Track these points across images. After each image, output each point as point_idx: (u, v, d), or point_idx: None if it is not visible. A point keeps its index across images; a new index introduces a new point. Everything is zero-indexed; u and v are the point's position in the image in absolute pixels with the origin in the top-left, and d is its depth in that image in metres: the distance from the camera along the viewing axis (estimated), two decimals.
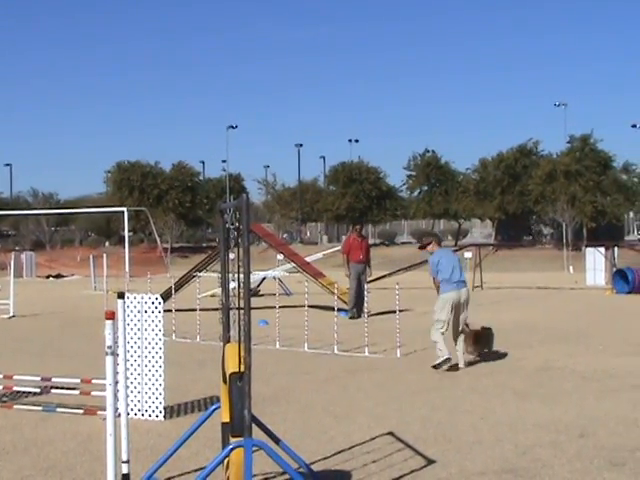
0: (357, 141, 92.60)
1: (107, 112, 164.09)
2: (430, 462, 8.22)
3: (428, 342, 14.29)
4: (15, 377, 11.47)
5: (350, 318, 21.09)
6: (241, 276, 6.29)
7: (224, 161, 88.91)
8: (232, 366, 6.35)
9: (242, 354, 6.17)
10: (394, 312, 16.04)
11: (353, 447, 8.86)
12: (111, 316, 6.39)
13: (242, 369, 6.17)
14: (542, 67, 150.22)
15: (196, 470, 7.74)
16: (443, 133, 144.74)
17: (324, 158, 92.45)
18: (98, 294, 32.08)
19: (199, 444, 8.42)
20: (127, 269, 42.41)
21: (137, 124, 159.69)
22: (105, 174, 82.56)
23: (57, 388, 11.38)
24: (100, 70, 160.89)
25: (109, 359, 6.29)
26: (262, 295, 27.77)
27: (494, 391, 11.94)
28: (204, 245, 78.60)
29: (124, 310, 7.83)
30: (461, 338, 14.19)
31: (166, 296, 18.79)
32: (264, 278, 29.43)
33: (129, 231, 51.66)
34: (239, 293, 6.42)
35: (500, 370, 13.66)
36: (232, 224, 6.83)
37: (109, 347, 6.27)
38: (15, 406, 11.15)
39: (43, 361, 14.73)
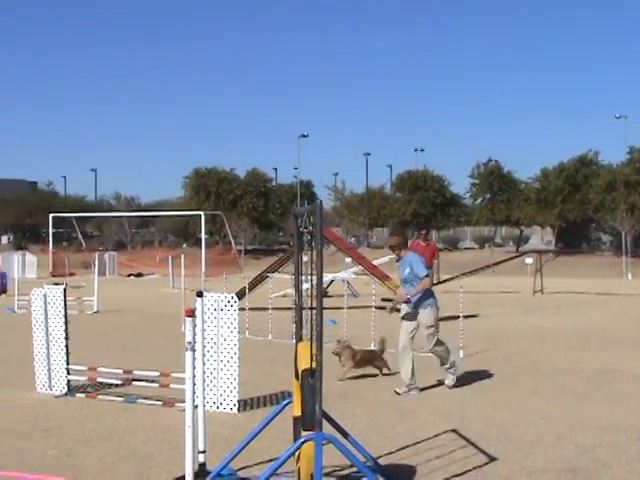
0: (422, 150, 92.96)
1: (186, 120, 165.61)
2: (492, 459, 8.15)
3: (490, 344, 14.16)
4: (99, 369, 11.61)
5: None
6: (314, 278, 6.29)
7: (296, 168, 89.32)
8: (304, 363, 6.36)
9: (314, 352, 6.18)
10: (457, 317, 15.92)
11: (417, 443, 8.81)
12: (191, 314, 6.44)
13: (314, 366, 6.18)
14: (603, 80, 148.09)
15: (268, 461, 7.75)
16: (506, 143, 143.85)
17: (391, 166, 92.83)
18: (176, 292, 32.33)
19: (271, 436, 8.43)
20: (203, 269, 42.74)
21: (214, 132, 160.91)
22: (183, 179, 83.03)
23: (138, 380, 11.51)
24: (180, 80, 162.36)
25: (189, 354, 6.33)
26: (331, 296, 27.76)
27: (554, 393, 11.80)
28: (275, 248, 78.86)
29: (202, 308, 7.89)
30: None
31: (240, 295, 18.87)
32: (332, 280, 29.41)
33: (205, 233, 52.10)
34: (312, 294, 6.43)
35: (560, 372, 13.48)
36: (306, 228, 6.85)
37: (189, 343, 6.31)
38: (99, 396, 11.29)
39: (125, 355, 14.88)
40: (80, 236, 70.48)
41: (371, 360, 13.17)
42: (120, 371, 11.55)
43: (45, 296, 11.72)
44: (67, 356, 11.52)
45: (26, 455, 8.35)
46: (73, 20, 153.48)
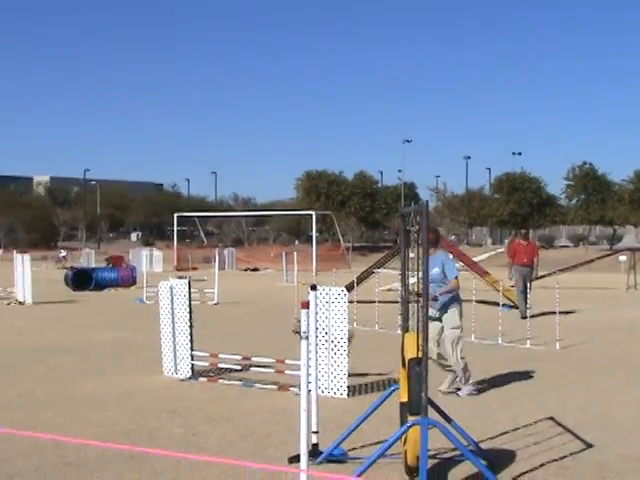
0: (520, 154, 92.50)
1: (299, 127, 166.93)
2: (588, 446, 7.98)
3: (585, 337, 13.87)
4: (220, 356, 11.77)
5: (522, 318, 20.37)
6: (420, 273, 6.26)
7: (400, 171, 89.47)
8: (411, 353, 6.34)
9: (420, 342, 6.15)
10: (554, 313, 15.64)
11: (517, 429, 8.69)
12: (306, 305, 6.47)
13: (420, 355, 6.15)
14: None
15: (376, 443, 7.73)
16: (600, 146, 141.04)
17: (489, 169, 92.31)
18: (289, 286, 32.55)
19: (379, 420, 8.41)
20: (314, 265, 42.97)
21: (325, 138, 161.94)
22: (296, 181, 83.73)
23: (255, 366, 11.63)
24: (295, 91, 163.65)
25: (304, 343, 6.35)
26: None
27: None
28: (381, 245, 78.84)
29: (315, 300, 7.91)
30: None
31: (349, 289, 18.88)
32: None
33: (316, 232, 52.31)
34: (418, 288, 6.40)
35: None
36: (412, 226, 6.83)
37: (304, 332, 6.33)
38: (220, 380, 11.43)
39: (243, 342, 15.04)
40: (202, 234, 71.58)
41: None
42: (239, 357, 11.70)
43: (171, 288, 11.93)
44: (191, 343, 11.70)
45: (156, 433, 8.51)
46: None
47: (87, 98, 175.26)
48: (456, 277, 10.57)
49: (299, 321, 10.90)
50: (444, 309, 10.60)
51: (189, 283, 12.04)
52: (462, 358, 10.60)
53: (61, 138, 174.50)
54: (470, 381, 10.73)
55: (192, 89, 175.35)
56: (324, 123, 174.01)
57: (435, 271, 10.32)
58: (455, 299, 10.65)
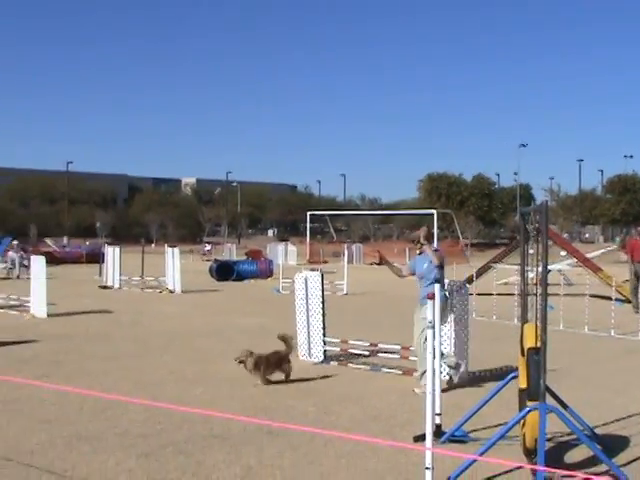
0: (631, 157, 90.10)
1: (421, 131, 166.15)
2: None
3: None
4: (350, 342, 11.81)
5: (635, 312, 19.69)
6: (539, 268, 6.13)
7: (516, 173, 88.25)
8: (530, 342, 6.22)
9: (539, 332, 6.02)
10: None
11: (630, 417, 8.41)
12: (432, 297, 6.41)
13: (538, 345, 6.03)
14: None
15: (495, 426, 7.62)
16: None
17: (602, 171, 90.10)
18: (412, 279, 32.42)
19: (497, 405, 8.26)
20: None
21: (446, 141, 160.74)
22: (418, 183, 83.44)
23: (382, 352, 11.61)
24: (418, 98, 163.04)
25: (430, 331, 6.30)
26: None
27: None
28: (497, 242, 77.69)
29: (439, 292, 7.84)
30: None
31: (469, 282, 18.67)
32: (549, 270, 28.54)
33: (436, 229, 51.87)
34: (537, 282, 6.27)
35: None
36: (531, 224, 6.70)
37: (429, 322, 6.28)
38: (349, 365, 11.47)
39: (370, 330, 15.02)
40: (332, 230, 71.94)
41: (278, 364, 10.10)
42: (367, 344, 11.71)
43: (306, 280, 12.02)
44: (324, 330, 11.78)
45: (292, 411, 8.60)
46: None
47: (231, 109, 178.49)
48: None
49: None
50: (425, 302, 10.04)
51: (322, 275, 12.11)
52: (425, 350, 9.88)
53: (206, 144, 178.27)
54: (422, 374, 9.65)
55: (326, 99, 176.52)
56: (445, 128, 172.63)
57: (425, 266, 10.03)
58: (440, 295, 10.04)
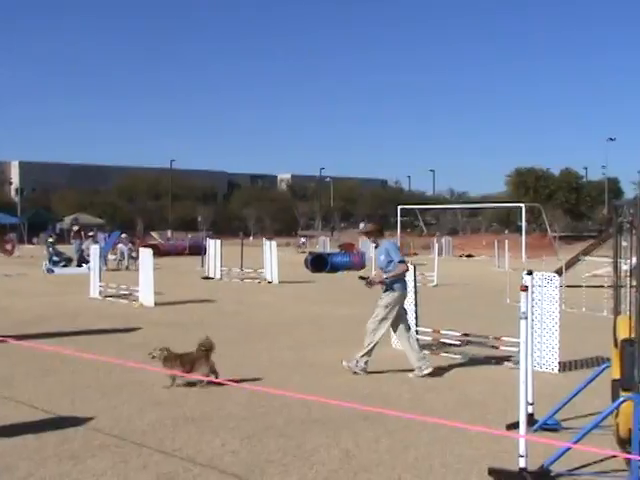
0: None
1: (508, 126, 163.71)
2: None
3: None
4: (441, 332, 11.71)
5: None
6: (634, 260, 5.96)
7: (604, 167, 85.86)
8: (623, 333, 6.05)
9: (633, 324, 5.85)
10: None
11: None
12: (525, 289, 6.30)
13: (632, 336, 5.86)
14: None
15: (586, 415, 7.45)
16: None
17: None
18: (500, 271, 31.98)
19: (589, 395, 8.06)
20: (523, 252, 41.94)
21: (533, 136, 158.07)
22: (505, 177, 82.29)
23: (473, 342, 11.48)
24: (500, 94, 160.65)
25: (523, 322, 6.20)
26: None
27: None
28: (585, 234, 75.91)
29: (531, 284, 7.72)
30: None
31: (558, 274, 18.30)
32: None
33: (525, 222, 51.02)
34: (631, 274, 6.10)
35: None
36: (625, 218, 6.52)
37: (523, 313, 6.17)
38: (441, 354, 11.38)
39: (460, 320, 14.87)
40: (422, 224, 71.42)
41: (191, 364, 9.03)
42: (458, 334, 11.60)
43: None
44: (416, 320, 11.71)
45: (387, 397, 8.58)
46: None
47: (324, 107, 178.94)
48: (402, 261, 10.00)
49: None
50: (385, 291, 10.07)
51: (414, 267, 12.03)
52: (377, 342, 9.98)
53: (301, 141, 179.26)
54: (363, 359, 9.91)
55: (417, 97, 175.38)
56: (532, 123, 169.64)
57: (382, 258, 10.05)
58: (396, 284, 9.99)
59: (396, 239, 49.73)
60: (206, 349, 9.06)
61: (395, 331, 10.30)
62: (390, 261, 10.00)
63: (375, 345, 10.00)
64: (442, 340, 11.79)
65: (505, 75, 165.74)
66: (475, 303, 19.27)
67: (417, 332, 11.63)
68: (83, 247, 32.63)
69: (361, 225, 11.28)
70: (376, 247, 10.31)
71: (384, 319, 10.00)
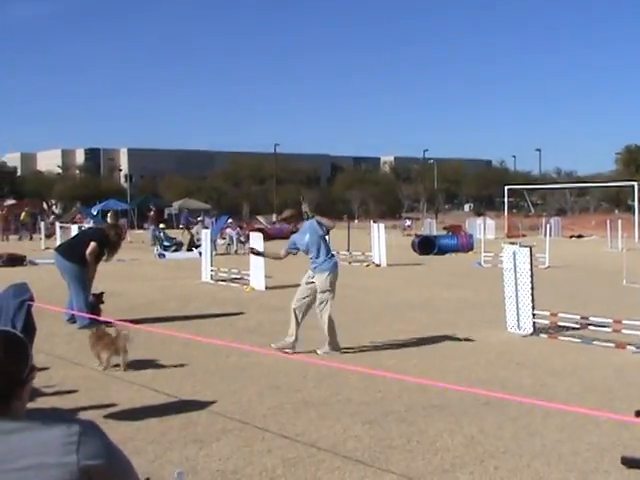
0: None
1: (618, 103, 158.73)
2: None
3: None
4: (559, 314, 11.40)
5: None
6: None
7: None
8: None
9: None
10: None
11: None
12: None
13: None
14: None
15: None
16: None
17: None
18: (613, 252, 31.06)
19: None
20: (637, 232, 40.63)
21: None
22: (615, 155, 79.91)
23: (592, 325, 11.12)
24: (610, 72, 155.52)
25: None
26: None
27: None
28: None
29: None
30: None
31: None
32: None
33: (633, 201, 49.37)
34: None
35: None
36: None
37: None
38: (559, 337, 11.07)
39: (576, 302, 14.45)
40: (530, 204, 70.04)
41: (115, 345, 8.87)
42: (578, 317, 11.25)
43: (514, 253, 11.71)
44: (532, 302, 11.42)
45: (507, 382, 8.39)
46: None
47: (426, 89, 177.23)
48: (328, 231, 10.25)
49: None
50: (318, 272, 9.88)
51: (530, 249, 11.74)
52: (330, 321, 9.89)
53: (405, 123, 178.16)
54: (328, 344, 9.88)
55: (520, 77, 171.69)
56: None
57: (306, 237, 9.97)
58: (329, 264, 9.93)
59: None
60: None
61: (301, 304, 10.07)
62: (321, 236, 10.01)
63: (333, 329, 9.97)
64: (560, 323, 11.46)
65: (613, 53, 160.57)
66: (590, 285, 18.73)
67: (534, 316, 11.37)
68: (193, 232, 33.26)
69: (284, 214, 11.58)
70: (296, 232, 10.29)
71: (328, 301, 9.98)
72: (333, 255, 10.21)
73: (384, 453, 5.98)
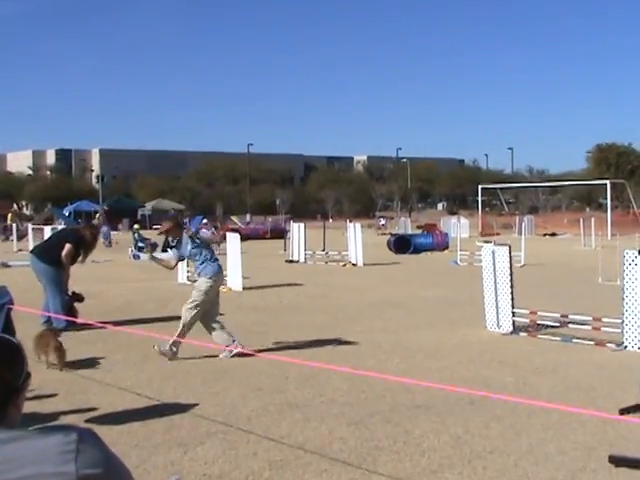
0: None
1: (587, 102, 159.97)
2: None
3: None
4: (539, 313, 11.42)
5: None
6: None
7: None
8: None
9: None
10: None
11: None
12: None
13: None
14: None
15: None
16: None
17: None
18: (587, 249, 31.31)
19: None
20: (609, 230, 40.97)
21: (613, 111, 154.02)
22: (586, 154, 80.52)
23: (572, 323, 11.14)
24: (581, 72, 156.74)
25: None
26: None
27: None
28: None
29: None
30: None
31: None
32: None
33: (606, 200, 49.87)
34: None
35: None
36: None
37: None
38: (539, 336, 11.09)
39: (554, 300, 14.52)
40: (503, 203, 70.29)
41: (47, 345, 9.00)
42: (557, 315, 11.28)
43: (493, 252, 11.72)
44: (512, 301, 11.44)
45: (489, 381, 8.38)
46: None
47: (398, 85, 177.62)
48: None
49: None
50: (202, 276, 9.90)
51: (509, 248, 11.78)
52: (188, 323, 9.72)
53: (377, 122, 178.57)
54: (171, 346, 9.60)
55: (492, 74, 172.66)
56: (612, 98, 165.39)
57: (189, 249, 9.99)
58: (208, 267, 9.87)
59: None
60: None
61: (204, 318, 9.88)
62: (198, 245, 10.03)
63: (187, 329, 9.77)
64: (539, 322, 11.49)
65: (585, 52, 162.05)
66: (567, 283, 18.83)
67: (513, 314, 11.39)
68: None
69: (162, 227, 11.71)
70: (178, 241, 10.19)
71: (199, 304, 9.75)
72: (217, 259, 10.25)
73: (371, 454, 5.93)
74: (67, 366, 8.94)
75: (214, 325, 9.86)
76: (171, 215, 12.07)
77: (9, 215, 45.54)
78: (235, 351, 9.68)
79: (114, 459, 2.34)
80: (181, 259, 10.65)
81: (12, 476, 2.14)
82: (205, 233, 33.32)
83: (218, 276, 10.05)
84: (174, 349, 9.63)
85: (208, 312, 9.85)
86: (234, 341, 9.78)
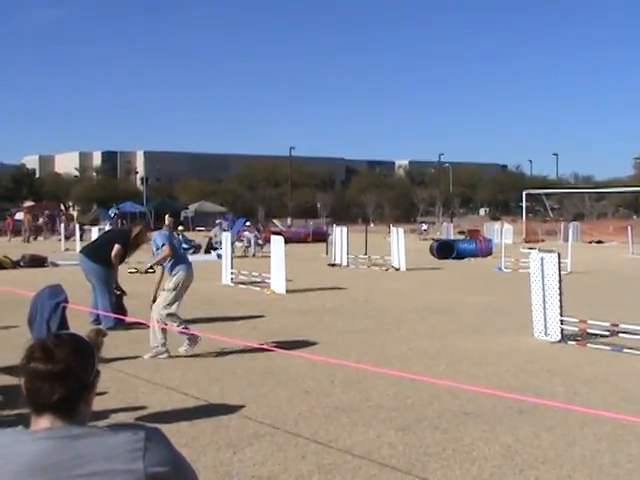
0: None
1: (636, 107, 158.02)
2: None
3: None
4: (589, 321, 11.25)
5: None
6: None
7: None
8: None
9: None
10: None
11: None
12: None
13: None
14: None
15: None
16: None
17: None
18: (634, 257, 30.87)
19: None
20: None
21: None
22: (634, 160, 79.43)
23: (623, 332, 10.95)
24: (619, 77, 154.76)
25: None
26: None
27: None
28: None
29: None
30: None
31: None
32: None
33: None
34: None
35: None
36: None
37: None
38: (588, 345, 10.93)
39: (603, 309, 14.27)
40: (548, 209, 69.69)
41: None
42: (608, 324, 11.10)
43: (542, 259, 11.59)
44: (561, 309, 11.29)
45: (539, 390, 8.25)
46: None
47: (442, 92, 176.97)
48: (164, 244, 10.15)
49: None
50: (169, 274, 10.09)
51: (558, 255, 11.63)
52: (163, 320, 9.81)
53: (419, 127, 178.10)
54: (159, 348, 9.72)
55: (537, 79, 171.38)
56: None
57: (154, 249, 10.30)
58: (177, 265, 10.12)
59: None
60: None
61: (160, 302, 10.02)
62: (157, 248, 10.22)
63: (177, 319, 9.93)
64: (589, 330, 11.31)
65: (633, 57, 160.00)
66: (616, 291, 18.53)
67: (562, 322, 11.24)
68: (211, 234, 33.23)
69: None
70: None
71: (173, 301, 9.93)
72: (186, 258, 10.60)
73: (420, 461, 5.88)
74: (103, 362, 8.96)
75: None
76: (136, 224, 12.59)
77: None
78: (162, 356, 9.70)
79: (180, 458, 2.35)
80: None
81: (83, 471, 2.16)
82: (247, 234, 33.47)
83: (187, 272, 10.21)
84: (157, 353, 9.73)
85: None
86: (165, 347, 9.77)
